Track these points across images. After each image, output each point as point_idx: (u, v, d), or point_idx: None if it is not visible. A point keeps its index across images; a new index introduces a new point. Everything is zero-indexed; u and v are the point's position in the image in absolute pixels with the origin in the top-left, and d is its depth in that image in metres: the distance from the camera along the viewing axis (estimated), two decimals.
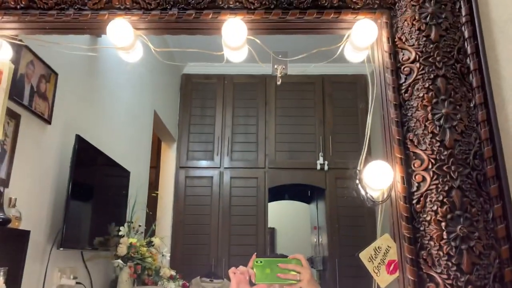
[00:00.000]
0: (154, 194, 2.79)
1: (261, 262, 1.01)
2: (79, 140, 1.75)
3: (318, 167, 3.75)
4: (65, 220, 1.63)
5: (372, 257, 0.81)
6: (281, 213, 5.48)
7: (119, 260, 2.13)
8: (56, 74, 1.73)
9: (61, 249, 1.62)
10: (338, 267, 3.53)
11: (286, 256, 1.32)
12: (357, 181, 0.84)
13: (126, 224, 2.30)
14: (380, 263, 0.81)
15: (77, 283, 1.80)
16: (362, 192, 0.84)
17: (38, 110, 1.61)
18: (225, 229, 3.60)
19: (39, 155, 1.63)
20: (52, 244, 1.64)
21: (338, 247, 3.60)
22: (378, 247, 0.83)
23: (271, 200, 3.84)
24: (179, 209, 3.68)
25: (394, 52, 0.90)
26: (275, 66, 0.95)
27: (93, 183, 2.00)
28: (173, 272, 2.55)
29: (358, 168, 0.87)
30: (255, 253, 1.06)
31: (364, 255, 0.81)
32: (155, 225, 2.64)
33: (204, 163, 3.82)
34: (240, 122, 3.92)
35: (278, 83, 0.96)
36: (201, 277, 3.32)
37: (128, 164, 2.47)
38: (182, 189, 3.75)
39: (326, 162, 3.75)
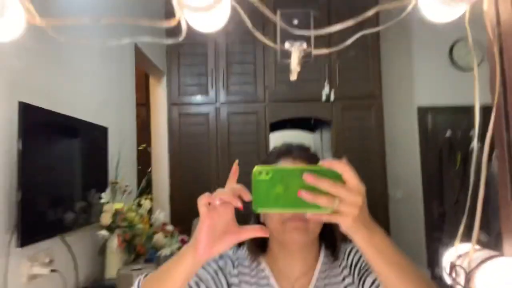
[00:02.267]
0: (142, 148, 2.49)
1: (267, 173, 0.54)
2: (24, 108, 1.38)
3: (324, 98, 3.39)
4: (21, 213, 1.33)
5: None
6: None
7: (104, 231, 1.91)
8: None
9: (20, 249, 1.35)
10: None
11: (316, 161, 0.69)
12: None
13: (109, 188, 2.04)
14: None
15: (52, 270, 1.58)
16: None
17: None
18: (225, 168, 3.37)
19: None
20: (8, 243, 1.37)
21: None
22: None
23: (272, 130, 3.54)
24: (175, 150, 3.42)
25: None
26: (287, 45, 0.54)
27: (56, 154, 1.68)
28: (169, 227, 2.37)
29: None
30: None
31: None
32: (146, 181, 2.38)
33: (198, 98, 3.46)
34: (236, 49, 3.47)
35: (292, 78, 0.56)
36: None
37: (105, 118, 2.13)
38: (176, 128, 3.45)
39: (332, 92, 3.38)
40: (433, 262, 3.44)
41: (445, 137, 3.64)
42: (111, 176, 2.11)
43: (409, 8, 0.53)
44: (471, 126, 3.51)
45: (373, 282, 0.79)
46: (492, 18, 0.46)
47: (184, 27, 0.49)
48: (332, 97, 3.39)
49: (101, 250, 2.00)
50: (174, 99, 3.47)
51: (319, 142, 4.15)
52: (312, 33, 0.49)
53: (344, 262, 0.88)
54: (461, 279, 0.44)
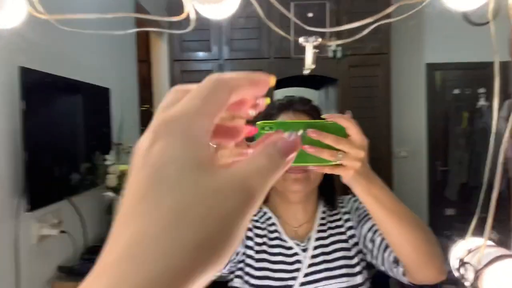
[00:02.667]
0: (144, 108, 2.45)
1: (271, 127, 0.52)
2: (24, 72, 1.35)
3: (331, 54, 3.29)
4: (28, 176, 1.35)
5: None
6: None
7: (110, 193, 1.92)
8: None
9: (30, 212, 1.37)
10: None
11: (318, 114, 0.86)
12: None
13: (113, 150, 2.03)
14: None
15: (61, 231, 1.61)
16: None
17: None
18: None
19: None
20: (17, 206, 1.38)
21: None
22: None
23: (277, 87, 3.48)
24: None
25: None
26: (301, 40, 0.50)
27: (59, 117, 1.65)
28: None
29: None
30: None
31: None
32: None
33: (200, 54, 3.37)
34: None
35: (306, 72, 0.54)
36: None
37: (107, 79, 2.08)
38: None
39: (339, 48, 3.27)
40: (434, 221, 3.50)
41: (453, 95, 3.57)
42: (115, 138, 2.10)
43: None
44: (480, 83, 3.43)
45: (371, 227, 0.82)
46: None
47: (192, 16, 0.44)
48: (339, 54, 3.28)
49: (109, 210, 2.02)
50: (176, 55, 3.37)
51: (324, 99, 4.09)
52: (327, 30, 0.45)
53: (344, 209, 0.92)
54: (470, 276, 0.42)
